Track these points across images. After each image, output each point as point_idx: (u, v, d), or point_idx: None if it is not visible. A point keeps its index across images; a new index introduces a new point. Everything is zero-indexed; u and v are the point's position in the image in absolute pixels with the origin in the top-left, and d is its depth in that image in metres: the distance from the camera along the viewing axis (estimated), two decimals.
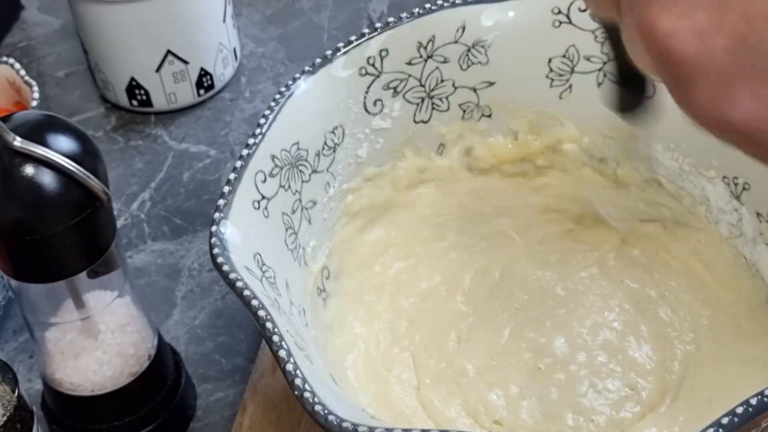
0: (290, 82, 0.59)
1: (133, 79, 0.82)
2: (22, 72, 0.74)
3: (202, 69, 0.82)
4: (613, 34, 0.48)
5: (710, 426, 0.45)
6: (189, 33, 0.80)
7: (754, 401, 0.46)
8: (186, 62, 0.81)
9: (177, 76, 0.82)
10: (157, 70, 0.81)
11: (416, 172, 0.66)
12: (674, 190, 0.64)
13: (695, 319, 0.62)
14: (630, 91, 0.51)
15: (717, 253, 0.63)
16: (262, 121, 0.57)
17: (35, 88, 0.72)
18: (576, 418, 0.58)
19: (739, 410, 0.46)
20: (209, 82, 0.83)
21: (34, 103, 0.71)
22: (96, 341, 0.59)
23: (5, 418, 0.49)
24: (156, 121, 0.83)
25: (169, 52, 0.80)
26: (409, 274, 0.65)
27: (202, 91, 0.83)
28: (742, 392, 0.47)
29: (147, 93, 0.82)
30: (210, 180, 0.79)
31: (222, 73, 0.84)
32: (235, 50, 0.85)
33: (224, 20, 0.82)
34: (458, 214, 0.67)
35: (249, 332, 0.68)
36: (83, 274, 0.56)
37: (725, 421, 0.45)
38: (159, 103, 0.83)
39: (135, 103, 0.83)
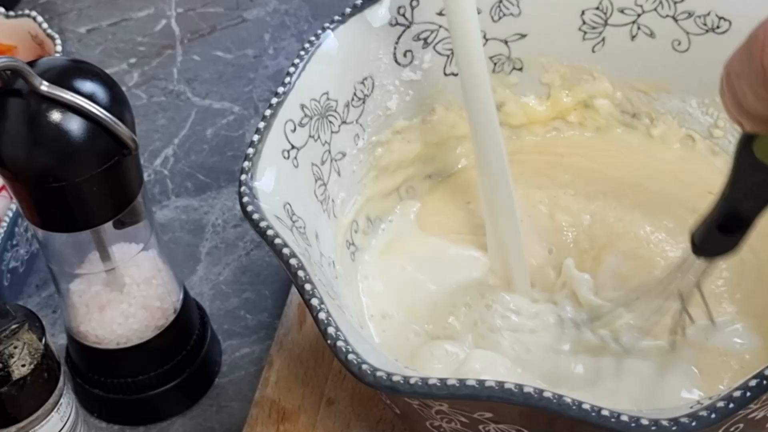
0: (320, 31, 0.58)
1: None
2: (45, 25, 0.73)
3: None
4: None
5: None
6: None
7: None
8: None
9: None
10: None
11: (446, 127, 0.64)
12: (709, 147, 0.63)
13: None
14: (727, 235, 0.48)
15: None
16: (292, 69, 0.56)
17: (58, 41, 0.71)
18: None
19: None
20: None
21: None
22: (121, 294, 0.58)
23: (32, 366, 0.49)
24: (179, 78, 0.82)
25: None
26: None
27: None
28: None
29: None
30: (234, 136, 0.78)
31: None
32: None
33: None
34: None
35: (274, 288, 0.68)
36: (109, 225, 0.55)
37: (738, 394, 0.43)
38: None
39: None
